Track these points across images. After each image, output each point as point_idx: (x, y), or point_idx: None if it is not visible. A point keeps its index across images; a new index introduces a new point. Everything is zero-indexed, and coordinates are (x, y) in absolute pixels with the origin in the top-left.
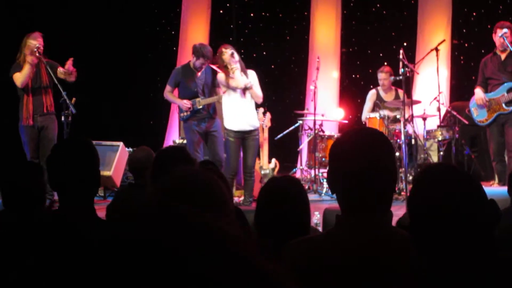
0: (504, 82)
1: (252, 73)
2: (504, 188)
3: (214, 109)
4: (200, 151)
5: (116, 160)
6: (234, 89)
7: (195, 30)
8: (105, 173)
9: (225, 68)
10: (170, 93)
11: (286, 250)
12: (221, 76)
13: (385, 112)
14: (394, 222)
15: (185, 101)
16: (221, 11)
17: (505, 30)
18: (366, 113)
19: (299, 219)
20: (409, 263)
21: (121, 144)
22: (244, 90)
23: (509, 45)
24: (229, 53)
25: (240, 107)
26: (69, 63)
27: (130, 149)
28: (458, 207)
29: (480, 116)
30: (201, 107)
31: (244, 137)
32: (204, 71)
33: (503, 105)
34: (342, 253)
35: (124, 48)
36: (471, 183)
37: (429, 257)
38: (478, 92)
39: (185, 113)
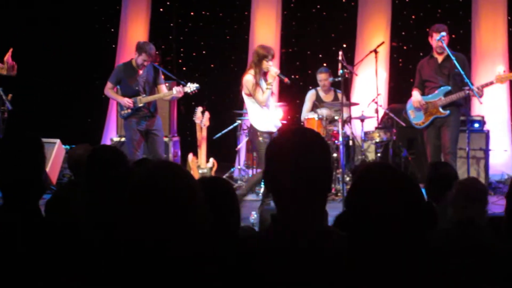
0: (441, 86)
1: None
2: None
3: (155, 107)
4: (140, 150)
5: (52, 157)
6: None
7: (135, 28)
8: None
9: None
10: (111, 90)
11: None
12: (250, 79)
13: (323, 111)
14: (330, 221)
15: (126, 99)
16: (161, 10)
17: (443, 33)
18: (305, 114)
19: (226, 220)
20: (343, 262)
21: (58, 141)
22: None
23: (447, 48)
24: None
25: (268, 110)
26: (8, 55)
27: (67, 147)
28: (394, 207)
29: (417, 118)
30: (142, 105)
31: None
32: (146, 69)
33: (440, 108)
34: (278, 251)
35: (63, 44)
36: (408, 183)
37: (363, 256)
38: (415, 95)
39: (125, 111)
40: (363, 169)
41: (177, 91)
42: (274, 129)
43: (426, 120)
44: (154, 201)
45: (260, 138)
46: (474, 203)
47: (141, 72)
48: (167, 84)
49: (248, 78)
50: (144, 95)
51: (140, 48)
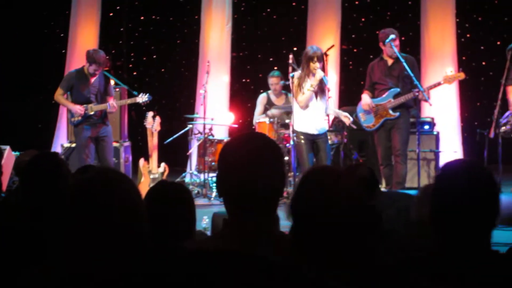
0: (391, 88)
1: None
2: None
3: (106, 115)
4: (90, 156)
5: (2, 163)
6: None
7: (85, 33)
8: None
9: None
10: (61, 96)
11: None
12: (294, 80)
13: (273, 111)
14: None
15: (78, 106)
16: (110, 14)
17: (392, 36)
18: (257, 117)
19: (182, 223)
20: (294, 265)
21: (7, 148)
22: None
23: (396, 51)
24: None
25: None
26: None
27: (17, 153)
28: (338, 210)
29: (367, 121)
30: (92, 113)
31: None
32: (98, 77)
33: (390, 110)
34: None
35: (11, 48)
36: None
37: (308, 259)
38: (365, 98)
39: (76, 118)
40: (304, 173)
41: (111, 105)
42: (313, 132)
43: (377, 122)
44: (88, 210)
45: (295, 138)
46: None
47: (93, 80)
48: (117, 90)
49: (294, 78)
50: (96, 103)
51: (90, 57)
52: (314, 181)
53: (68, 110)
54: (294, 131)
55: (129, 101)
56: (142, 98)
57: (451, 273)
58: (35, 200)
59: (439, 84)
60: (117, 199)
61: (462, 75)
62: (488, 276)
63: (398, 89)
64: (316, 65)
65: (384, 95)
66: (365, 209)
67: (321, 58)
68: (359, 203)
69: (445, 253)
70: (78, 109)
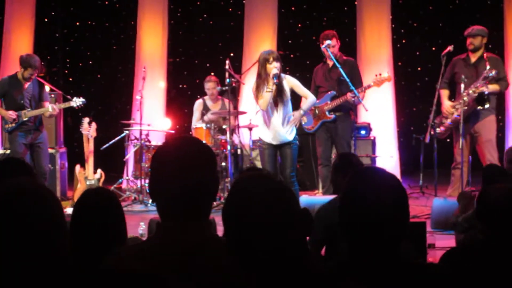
0: (329, 91)
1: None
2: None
3: (41, 121)
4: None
5: None
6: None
7: (19, 39)
8: None
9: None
10: None
11: (106, 261)
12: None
13: (210, 116)
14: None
15: (10, 112)
16: (45, 19)
17: (328, 41)
18: (194, 123)
19: (112, 230)
20: (223, 269)
21: None
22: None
23: (331, 56)
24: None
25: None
26: None
27: None
28: (268, 216)
29: (307, 123)
30: (26, 119)
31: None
32: (32, 83)
33: (327, 113)
34: (161, 260)
35: None
36: (282, 192)
37: (242, 263)
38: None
39: (10, 125)
40: (236, 180)
41: (52, 108)
42: (274, 142)
43: (315, 124)
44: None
45: (259, 144)
46: None
47: (26, 86)
48: (52, 95)
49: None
50: (29, 109)
51: (24, 62)
52: (244, 187)
53: (2, 117)
54: (259, 139)
55: (63, 105)
56: (76, 102)
57: (365, 283)
58: None
59: (369, 86)
60: (33, 210)
61: (389, 78)
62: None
63: (335, 92)
64: (273, 64)
65: (322, 98)
66: (302, 213)
67: (278, 58)
68: (295, 207)
69: (357, 264)
70: (10, 115)
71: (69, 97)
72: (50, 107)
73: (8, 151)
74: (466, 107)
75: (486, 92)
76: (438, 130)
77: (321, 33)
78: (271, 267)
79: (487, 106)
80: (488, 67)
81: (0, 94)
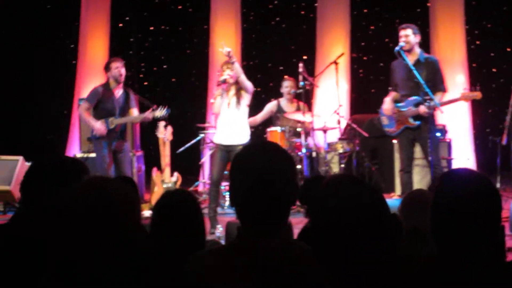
0: (411, 95)
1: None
2: None
3: (125, 129)
4: (112, 169)
5: (15, 174)
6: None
7: (95, 44)
8: (4, 187)
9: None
10: (87, 112)
11: (189, 264)
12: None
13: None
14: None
15: (98, 125)
16: (120, 25)
17: (401, 44)
18: (255, 118)
19: (193, 232)
20: (308, 274)
21: (20, 158)
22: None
23: (407, 61)
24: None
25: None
26: None
27: (31, 163)
28: (360, 220)
29: (389, 125)
30: (113, 126)
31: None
32: (121, 91)
33: (410, 119)
34: (243, 265)
35: (22, 60)
36: (373, 195)
37: (329, 268)
38: (387, 102)
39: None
40: (327, 183)
41: (145, 116)
42: (226, 142)
43: (397, 128)
44: (82, 220)
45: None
46: (418, 213)
47: (115, 92)
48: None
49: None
50: (117, 116)
51: (107, 63)
52: (336, 189)
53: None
54: (211, 141)
55: (158, 114)
56: (161, 112)
57: (457, 282)
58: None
59: (456, 100)
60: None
61: (479, 95)
62: (493, 285)
63: (419, 98)
64: (224, 72)
65: (404, 102)
66: (391, 218)
67: (224, 64)
68: (386, 211)
69: (449, 262)
70: (99, 128)
71: (155, 106)
72: (144, 117)
73: (91, 154)
74: None
75: None
76: None
77: (393, 36)
78: (359, 273)
79: None
80: None
81: (94, 102)
